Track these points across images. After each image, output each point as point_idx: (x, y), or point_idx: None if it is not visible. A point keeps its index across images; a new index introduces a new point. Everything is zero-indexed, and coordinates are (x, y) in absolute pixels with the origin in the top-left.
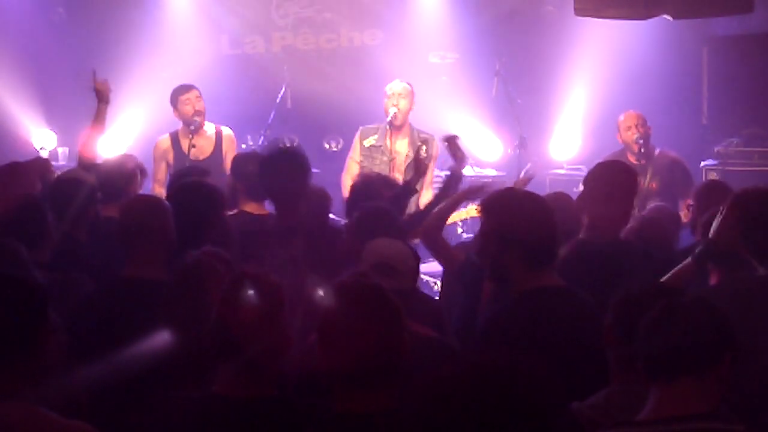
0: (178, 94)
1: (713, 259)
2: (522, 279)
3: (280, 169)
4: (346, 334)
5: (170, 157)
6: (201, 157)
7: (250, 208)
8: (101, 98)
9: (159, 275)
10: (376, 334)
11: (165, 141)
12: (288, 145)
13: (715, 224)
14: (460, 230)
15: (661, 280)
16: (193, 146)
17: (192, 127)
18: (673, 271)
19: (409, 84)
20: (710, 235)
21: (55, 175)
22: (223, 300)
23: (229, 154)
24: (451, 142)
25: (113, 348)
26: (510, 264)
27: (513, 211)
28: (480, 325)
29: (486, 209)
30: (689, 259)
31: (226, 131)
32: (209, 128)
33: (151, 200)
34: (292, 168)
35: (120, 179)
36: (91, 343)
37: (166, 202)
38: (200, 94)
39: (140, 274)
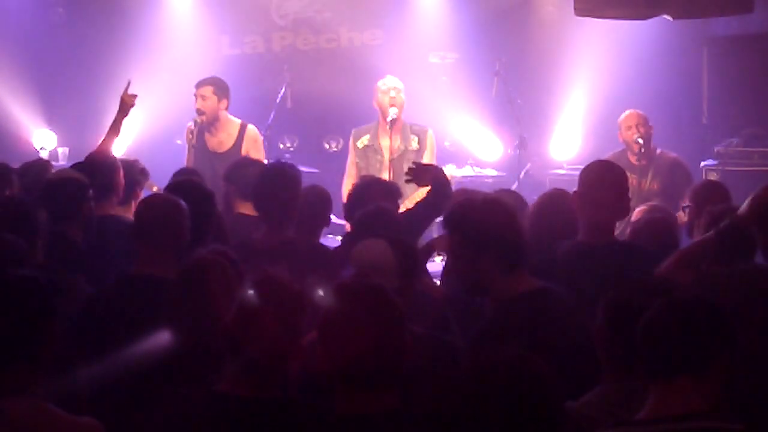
0: (195, 87)
1: (735, 235)
2: (500, 287)
3: (273, 185)
4: (347, 335)
5: (193, 144)
6: (219, 151)
7: (247, 209)
8: (122, 109)
9: (168, 273)
10: (377, 334)
11: (192, 128)
12: (284, 161)
13: (747, 202)
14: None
15: (680, 250)
16: (191, 133)
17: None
18: (692, 242)
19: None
20: (739, 212)
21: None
22: (242, 300)
23: (251, 153)
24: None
25: (119, 344)
26: (485, 271)
27: (475, 216)
28: (472, 337)
29: (448, 224)
30: (711, 233)
31: (250, 128)
32: (233, 123)
33: (169, 200)
34: (284, 184)
35: (115, 178)
36: (97, 339)
37: (183, 203)
38: (212, 92)
39: (150, 272)
